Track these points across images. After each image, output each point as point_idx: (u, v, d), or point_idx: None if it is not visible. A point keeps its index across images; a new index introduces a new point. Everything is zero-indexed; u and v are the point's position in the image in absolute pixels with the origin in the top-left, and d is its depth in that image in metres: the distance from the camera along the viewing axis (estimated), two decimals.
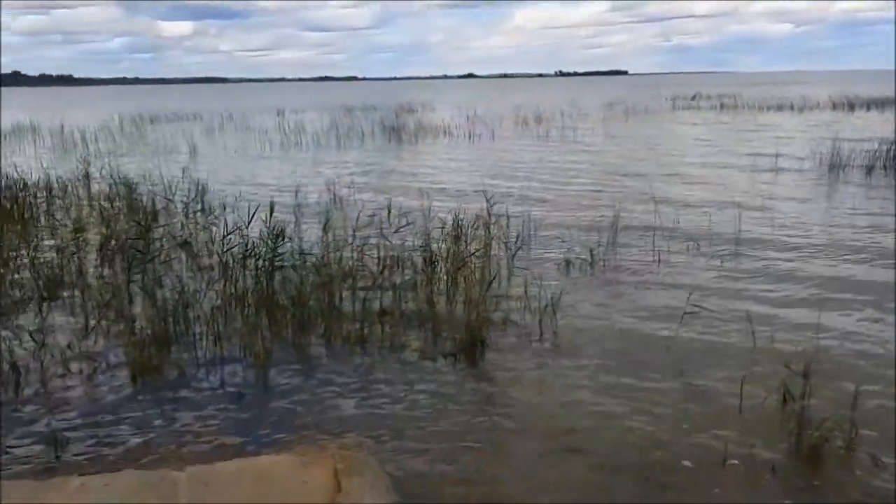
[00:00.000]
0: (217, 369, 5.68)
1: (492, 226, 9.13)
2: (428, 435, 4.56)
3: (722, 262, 8.42)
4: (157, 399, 5.21)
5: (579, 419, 4.80)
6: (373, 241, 8.59)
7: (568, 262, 8.39)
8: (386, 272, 7.62)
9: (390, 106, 44.14)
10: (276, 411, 4.95)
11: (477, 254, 7.97)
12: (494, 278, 7.33)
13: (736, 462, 4.19)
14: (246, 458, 3.56)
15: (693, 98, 49.91)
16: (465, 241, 8.22)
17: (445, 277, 7.47)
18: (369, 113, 40.02)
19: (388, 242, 8.48)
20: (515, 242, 8.89)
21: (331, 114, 39.14)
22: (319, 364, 5.80)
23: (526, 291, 7.07)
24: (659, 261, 8.48)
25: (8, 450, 4.44)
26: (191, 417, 4.87)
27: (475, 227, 8.84)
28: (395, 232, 9.02)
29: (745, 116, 33.57)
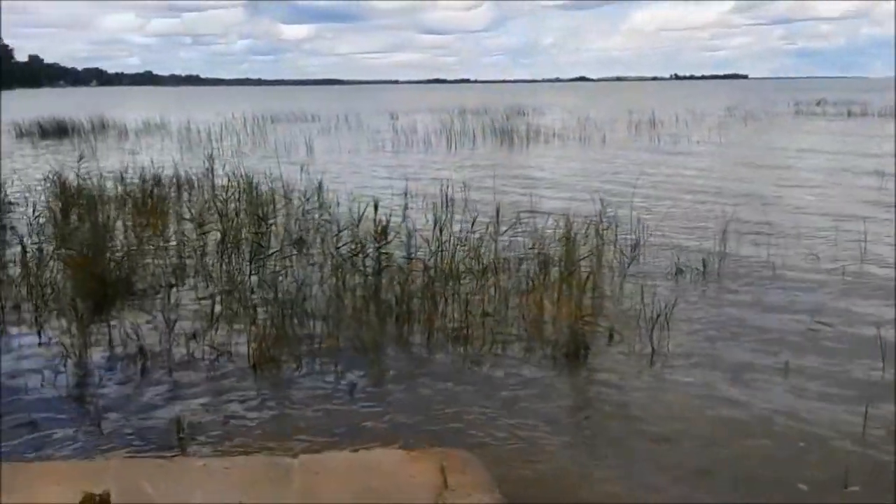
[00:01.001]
0: (329, 362, 5.86)
1: (603, 231, 9.02)
2: (530, 437, 4.58)
3: (843, 276, 8.01)
4: (273, 388, 5.46)
5: (684, 431, 4.71)
6: (481, 241, 8.63)
7: (679, 271, 8.21)
8: (493, 273, 7.66)
9: (501, 109, 44.13)
10: (384, 406, 5.09)
11: (587, 258, 7.90)
12: (604, 284, 7.23)
13: (857, 489, 3.99)
14: (355, 449, 3.67)
15: (818, 104, 47.51)
16: (575, 246, 8.17)
17: (554, 281, 7.43)
18: (480, 115, 40.17)
19: (496, 244, 8.51)
20: (632, 251, 8.76)
21: (442, 116, 39.58)
22: (424, 361, 5.92)
23: (638, 298, 6.95)
24: (775, 274, 8.16)
25: (135, 427, 4.77)
26: (304, 407, 5.07)
27: (585, 231, 8.76)
28: (504, 233, 9.05)
29: (875, 124, 31.72)
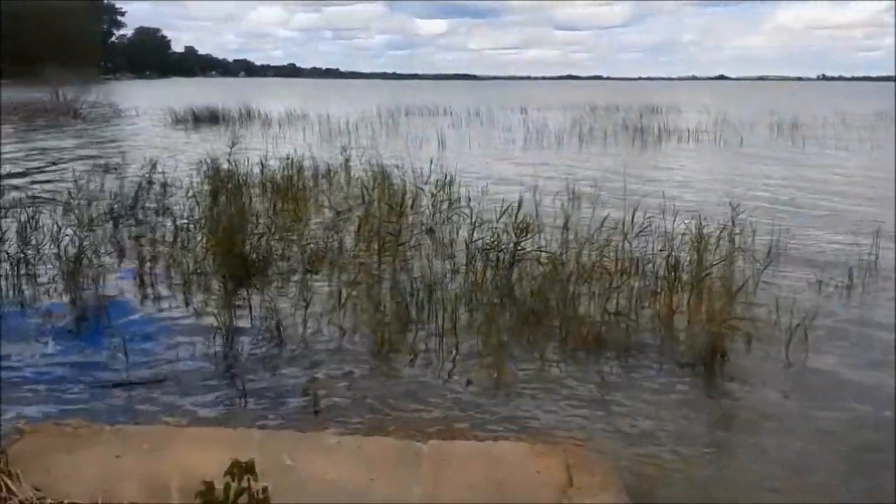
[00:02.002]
0: (451, 354, 5.97)
1: (737, 236, 8.70)
2: (659, 440, 4.51)
3: None
4: (398, 374, 5.62)
5: (822, 450, 4.48)
6: (612, 242, 8.51)
7: (821, 283, 7.79)
8: (624, 274, 7.54)
9: (635, 106, 43.14)
10: (508, 400, 5.13)
11: (721, 264, 7.65)
12: (740, 290, 6.97)
13: None
14: (482, 440, 3.74)
15: None
16: (709, 250, 7.92)
17: (687, 285, 7.24)
18: (613, 113, 39.47)
19: (627, 245, 8.37)
20: (766, 256, 8.40)
21: (574, 113, 39.14)
22: (553, 360, 5.91)
23: (775, 308, 6.67)
24: None
25: (273, 401, 5.06)
26: (429, 394, 5.19)
27: (719, 236, 8.48)
28: (636, 235, 8.88)
29: None
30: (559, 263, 7.46)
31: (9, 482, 3.12)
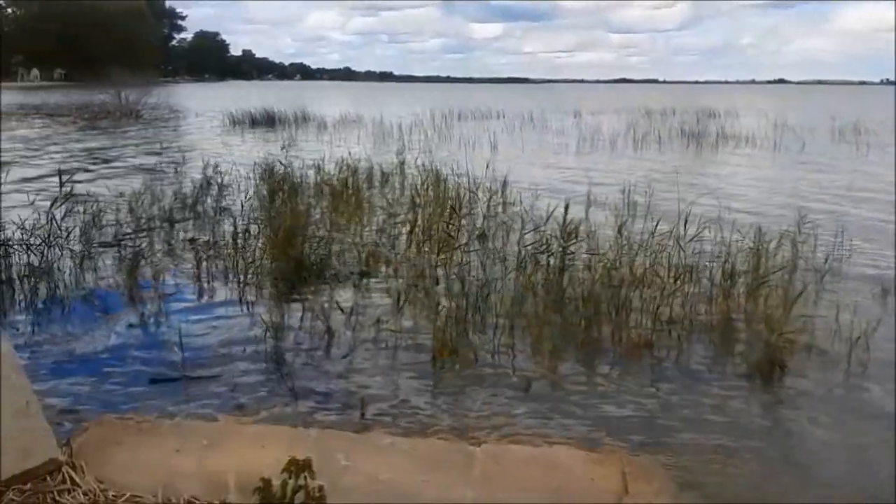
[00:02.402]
0: (508, 357, 5.95)
1: (799, 243, 8.49)
2: (714, 450, 4.43)
3: None
4: (452, 377, 5.62)
5: (880, 462, 4.33)
6: (666, 248, 8.38)
7: (885, 292, 7.55)
8: (678, 280, 7.42)
9: (691, 110, 42.43)
10: (561, 405, 5.09)
11: (780, 272, 7.47)
12: (799, 298, 6.79)
13: None
14: (536, 445, 3.71)
15: None
16: (767, 258, 7.74)
17: (743, 294, 7.10)
18: (668, 117, 38.91)
19: (681, 250, 8.24)
20: (826, 266, 8.18)
21: (628, 116, 38.71)
22: (605, 365, 5.86)
23: (836, 318, 6.49)
24: None
25: (325, 401, 5.11)
26: (482, 398, 5.18)
27: (779, 243, 8.29)
28: (690, 241, 8.72)
29: None
30: (611, 269, 7.38)
31: (73, 474, 3.22)
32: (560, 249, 7.61)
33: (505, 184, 13.18)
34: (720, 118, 38.87)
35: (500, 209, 11.51)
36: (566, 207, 8.36)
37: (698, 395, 5.27)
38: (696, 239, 8.72)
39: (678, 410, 5.02)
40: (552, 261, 7.62)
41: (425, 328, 6.42)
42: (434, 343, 6.05)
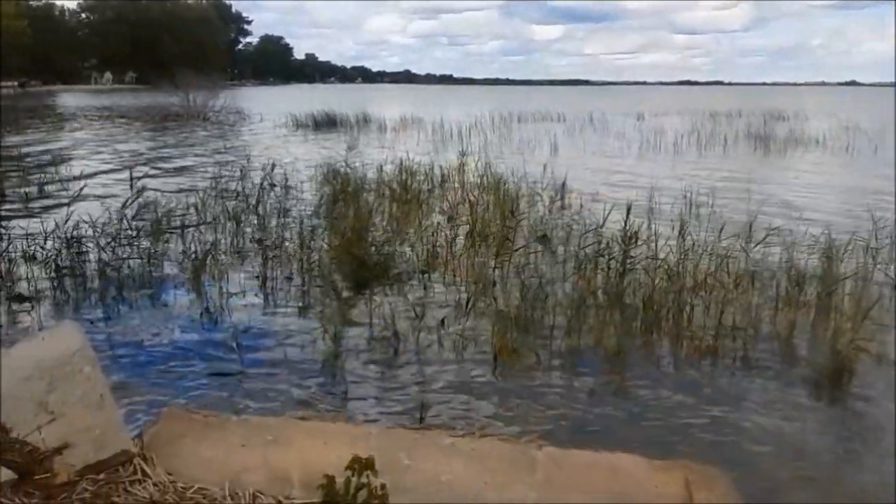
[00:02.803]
0: (569, 360, 5.92)
1: (873, 249, 8.21)
2: (780, 459, 4.32)
3: None
4: (514, 379, 5.62)
5: None
6: (730, 252, 8.20)
7: None
8: (742, 286, 7.26)
9: (758, 112, 41.40)
10: (623, 410, 5.04)
11: (850, 279, 7.24)
12: (873, 307, 6.56)
13: None
14: (598, 450, 3.67)
15: None
16: (837, 265, 7.51)
17: (812, 300, 6.90)
18: (734, 119, 38.08)
19: (746, 255, 8.06)
20: None
21: (692, 118, 38.00)
22: (668, 370, 5.78)
23: None
24: None
25: (387, 400, 5.16)
26: (543, 400, 5.16)
27: (848, 248, 8.03)
28: (755, 246, 8.52)
29: None
30: (673, 273, 7.26)
31: (144, 465, 3.31)
32: (621, 253, 7.53)
33: (564, 186, 13.10)
34: (788, 121, 37.90)
35: (559, 212, 11.44)
36: (628, 210, 8.28)
37: (759, 402, 5.16)
38: (761, 244, 8.53)
39: (738, 418, 4.91)
40: (613, 264, 7.54)
41: (485, 329, 6.43)
42: (494, 343, 6.05)
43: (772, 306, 6.87)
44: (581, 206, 11.87)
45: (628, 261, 7.44)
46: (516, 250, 8.47)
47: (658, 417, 4.93)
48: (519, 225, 9.86)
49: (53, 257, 8.08)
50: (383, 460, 2.92)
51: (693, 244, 8.27)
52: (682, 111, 48.38)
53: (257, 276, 8.12)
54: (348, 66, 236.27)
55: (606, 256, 7.64)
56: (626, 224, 7.93)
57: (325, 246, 8.69)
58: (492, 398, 5.23)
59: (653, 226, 10.42)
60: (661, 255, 7.86)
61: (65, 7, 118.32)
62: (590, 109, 44.84)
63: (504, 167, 15.83)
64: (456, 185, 13.81)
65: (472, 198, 11.91)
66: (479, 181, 13.26)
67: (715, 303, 6.76)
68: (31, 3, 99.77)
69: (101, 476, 3.22)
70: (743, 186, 15.49)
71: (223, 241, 9.38)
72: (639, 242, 7.91)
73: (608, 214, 8.41)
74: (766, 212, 12.04)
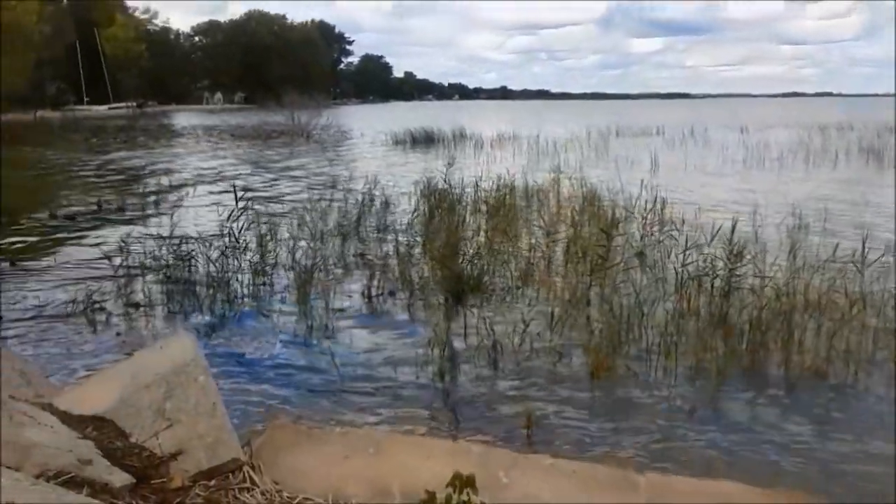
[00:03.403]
0: (667, 380, 5.79)
1: None
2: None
3: None
4: (610, 398, 5.53)
5: None
6: (843, 271, 7.83)
7: None
8: (855, 308, 6.90)
9: (870, 125, 39.36)
10: (724, 435, 4.88)
11: None
12: None
13: None
14: (702, 478, 3.58)
15: None
16: None
17: None
18: (845, 132, 36.34)
19: (861, 275, 7.67)
20: None
21: (799, 131, 36.51)
22: (774, 396, 5.55)
23: None
24: None
25: (486, 416, 5.17)
26: (641, 422, 5.06)
27: None
28: (871, 266, 8.10)
29: None
30: (782, 293, 6.99)
31: (252, 474, 3.45)
32: (726, 271, 7.32)
33: (664, 202, 12.82)
34: None
35: (658, 228, 11.20)
36: (733, 227, 8.04)
37: (873, 431, 4.88)
38: (877, 264, 8.11)
39: (857, 447, 4.67)
40: (716, 283, 7.33)
41: (582, 346, 6.37)
42: (591, 362, 5.98)
43: (891, 329, 6.51)
44: (683, 222, 11.58)
45: (734, 279, 7.21)
46: (612, 266, 8.35)
47: (763, 442, 4.75)
48: (616, 241, 9.72)
49: (164, 268, 8.53)
50: (483, 477, 2.94)
51: (804, 263, 7.95)
52: (789, 124, 46.55)
53: (361, 291, 8.30)
54: (446, 83, 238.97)
55: (711, 275, 7.43)
56: (731, 241, 7.71)
57: (424, 260, 8.81)
58: (589, 417, 5.16)
59: (759, 243, 10.09)
60: (769, 274, 7.59)
61: (180, 31, 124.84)
62: (690, 123, 43.76)
63: (601, 182, 15.67)
64: (552, 200, 13.76)
65: (568, 213, 11.84)
66: (575, 197, 13.17)
67: (828, 324, 6.46)
68: (149, 28, 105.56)
69: (213, 482, 3.37)
70: (855, 202, 14.78)
71: (327, 254, 9.64)
72: (745, 260, 7.65)
73: (717, 232, 8.18)
74: (879, 226, 11.46)
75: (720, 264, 7.52)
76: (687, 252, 8.05)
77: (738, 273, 7.29)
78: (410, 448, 3.74)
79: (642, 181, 14.54)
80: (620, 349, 6.29)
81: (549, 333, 6.76)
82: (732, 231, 8.03)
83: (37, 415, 3.39)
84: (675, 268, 8.12)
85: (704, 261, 7.72)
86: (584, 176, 15.98)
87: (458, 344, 6.62)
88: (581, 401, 5.47)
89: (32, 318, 7.55)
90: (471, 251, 8.86)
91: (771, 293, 6.95)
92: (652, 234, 10.78)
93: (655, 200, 12.61)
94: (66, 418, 3.55)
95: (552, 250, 9.58)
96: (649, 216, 11.55)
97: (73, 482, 2.98)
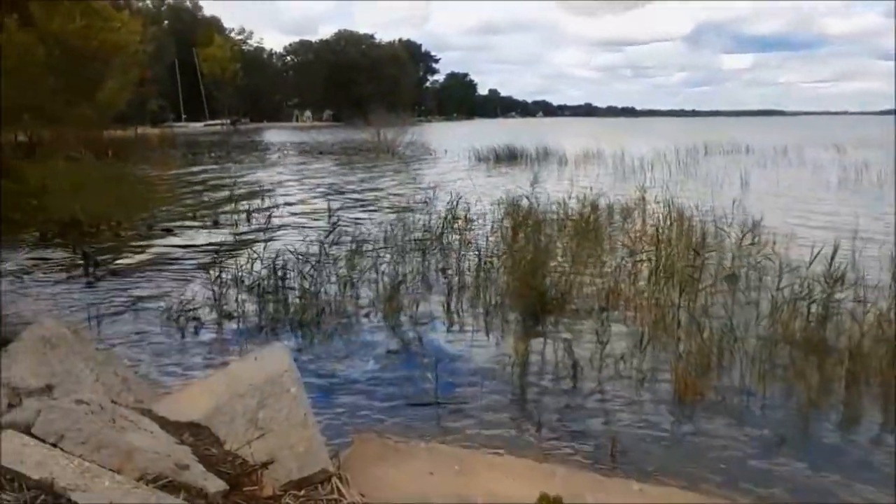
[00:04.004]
0: (758, 407, 5.59)
1: None
2: None
3: None
4: (696, 424, 5.39)
5: None
6: None
7: None
8: None
9: None
10: (817, 470, 4.66)
11: None
12: None
13: None
14: None
15: None
16: None
17: None
18: None
19: None
20: None
21: None
22: (871, 429, 5.28)
23: None
24: None
25: (569, 437, 5.11)
26: (732, 449, 4.90)
27: None
28: None
29: None
30: (885, 319, 6.66)
31: (340, 485, 3.50)
32: (823, 295, 7.03)
33: (755, 222, 12.41)
34: None
35: (750, 250, 10.84)
36: (835, 250, 7.74)
37: None
38: None
39: None
40: (813, 308, 7.05)
41: (668, 368, 6.22)
42: (678, 386, 5.83)
43: None
44: (774, 244, 11.19)
45: (832, 305, 6.92)
46: (702, 289, 8.13)
47: (861, 480, 4.53)
48: (705, 263, 9.47)
49: (258, 282, 8.78)
50: (570, 499, 2.91)
51: None
52: (889, 143, 44.45)
53: (444, 306, 8.36)
54: (530, 100, 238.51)
55: (807, 299, 7.16)
56: (831, 265, 7.41)
57: (507, 278, 8.81)
58: (673, 441, 5.04)
59: (858, 268, 9.66)
60: (870, 299, 7.26)
61: (273, 51, 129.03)
62: (784, 141, 42.31)
63: (689, 202, 15.30)
64: (637, 219, 13.53)
65: (655, 233, 11.60)
66: (662, 216, 12.90)
67: None
68: (244, 48, 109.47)
69: (302, 492, 3.44)
70: None
71: (411, 270, 9.74)
72: (841, 285, 7.34)
73: (816, 255, 7.88)
74: None
75: (818, 288, 7.24)
76: (781, 275, 7.79)
77: (836, 298, 6.99)
78: (495, 467, 3.74)
79: (733, 201, 14.16)
80: (710, 374, 6.11)
81: (634, 354, 6.63)
82: (834, 254, 7.74)
83: (138, 420, 3.54)
84: (769, 291, 7.86)
85: (801, 284, 7.44)
86: (671, 195, 15.61)
87: (539, 362, 6.57)
88: (666, 425, 5.35)
89: (128, 324, 7.91)
90: (556, 269, 8.79)
91: (872, 319, 6.64)
92: (745, 256, 10.45)
93: (747, 221, 12.25)
94: (165, 424, 3.70)
95: (638, 270, 9.41)
96: (740, 237, 11.21)
97: (171, 486, 3.10)
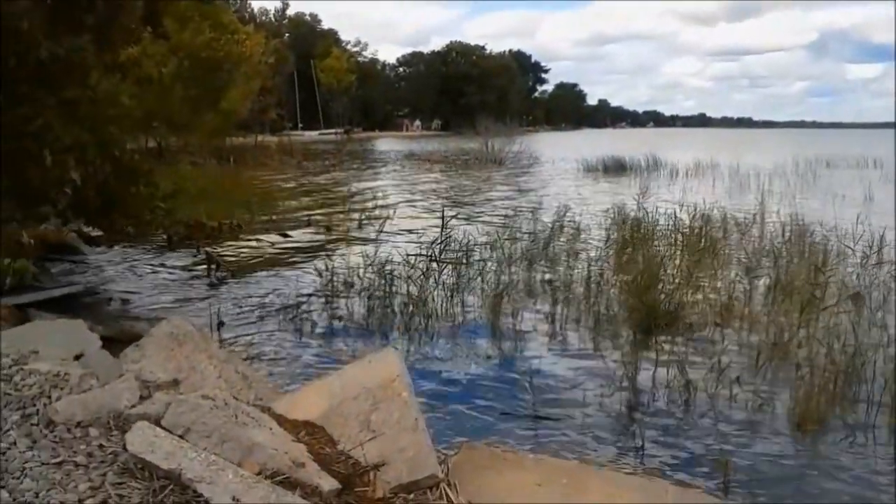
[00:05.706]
0: (888, 440, 5.27)
1: None
2: None
3: None
4: (817, 454, 5.15)
5: None
6: None
7: None
8: None
9: None
10: None
11: None
12: None
13: None
14: None
15: None
16: None
17: None
18: None
19: None
20: None
21: None
22: None
23: None
24: None
25: (677, 458, 4.98)
26: (854, 486, 4.64)
27: None
28: None
29: None
30: None
31: (448, 491, 3.54)
32: None
33: (882, 238, 11.72)
34: None
35: (876, 268, 10.25)
36: None
37: None
38: None
39: None
40: None
41: (786, 393, 5.96)
42: (798, 412, 5.58)
43: None
44: None
45: None
46: (825, 309, 7.74)
47: None
48: (828, 281, 9.02)
49: (367, 287, 9.00)
50: None
51: None
52: None
53: (548, 317, 8.32)
54: (640, 110, 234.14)
55: None
56: None
57: (615, 290, 8.67)
58: (793, 473, 4.81)
59: None
60: None
61: (386, 62, 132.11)
62: None
63: (810, 216, 14.60)
64: (754, 233, 13.04)
65: (773, 249, 11.14)
66: (781, 231, 12.38)
67: None
68: (359, 59, 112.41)
69: (411, 496, 3.50)
70: None
71: (516, 279, 9.74)
72: None
73: None
74: None
75: None
76: None
77: None
78: (603, 482, 3.69)
79: (857, 216, 13.43)
80: (835, 399, 5.80)
81: (750, 376, 6.39)
82: None
83: (258, 417, 3.69)
84: None
85: None
86: (791, 209, 14.96)
87: (648, 378, 6.42)
88: (785, 453, 5.12)
89: (249, 324, 8.27)
90: (667, 283, 8.58)
91: None
92: (869, 275, 9.90)
93: (873, 237, 11.59)
94: (282, 422, 3.84)
95: (754, 286, 9.07)
96: (866, 255, 10.62)
97: (287, 482, 3.22)
